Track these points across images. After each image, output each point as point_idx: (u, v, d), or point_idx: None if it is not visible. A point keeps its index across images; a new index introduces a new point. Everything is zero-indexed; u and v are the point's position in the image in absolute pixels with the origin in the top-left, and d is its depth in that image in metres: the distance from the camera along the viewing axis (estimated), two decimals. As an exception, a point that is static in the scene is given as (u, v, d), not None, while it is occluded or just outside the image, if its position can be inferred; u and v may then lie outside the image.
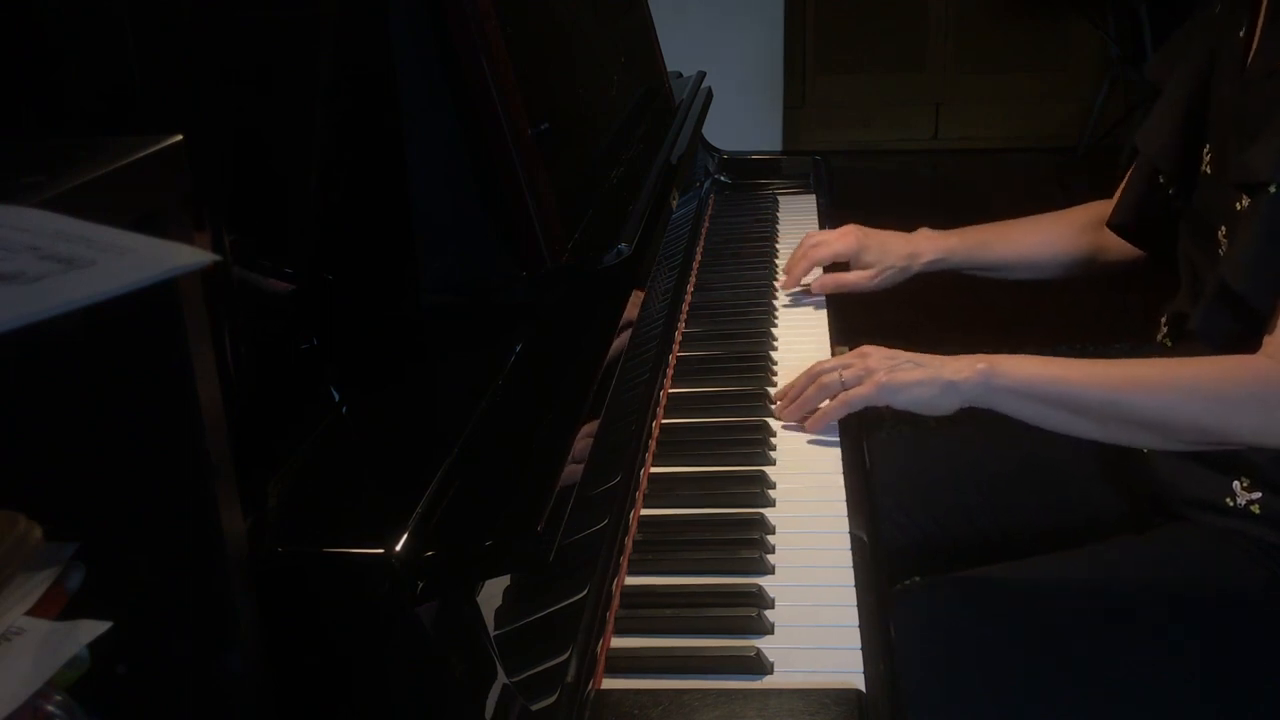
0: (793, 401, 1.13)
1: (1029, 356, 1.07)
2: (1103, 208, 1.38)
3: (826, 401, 1.10)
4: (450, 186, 0.93)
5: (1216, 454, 1.09)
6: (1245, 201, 1.04)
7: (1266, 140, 1.01)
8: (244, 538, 0.54)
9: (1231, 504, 1.09)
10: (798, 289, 1.45)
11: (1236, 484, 1.09)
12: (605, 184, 1.18)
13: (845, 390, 1.09)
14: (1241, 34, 1.12)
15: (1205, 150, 1.16)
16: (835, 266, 1.44)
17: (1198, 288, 1.14)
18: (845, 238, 1.41)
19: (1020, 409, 1.06)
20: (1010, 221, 1.44)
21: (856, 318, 1.45)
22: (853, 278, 1.40)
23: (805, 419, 1.11)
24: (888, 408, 1.08)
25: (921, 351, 1.11)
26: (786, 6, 4.02)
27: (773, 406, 1.15)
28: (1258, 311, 1.01)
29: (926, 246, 1.40)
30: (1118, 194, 1.34)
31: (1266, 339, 1.01)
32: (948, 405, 1.07)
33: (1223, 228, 1.09)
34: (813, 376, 1.12)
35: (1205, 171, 1.15)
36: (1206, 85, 1.17)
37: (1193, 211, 1.18)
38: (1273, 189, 1.00)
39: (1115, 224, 1.33)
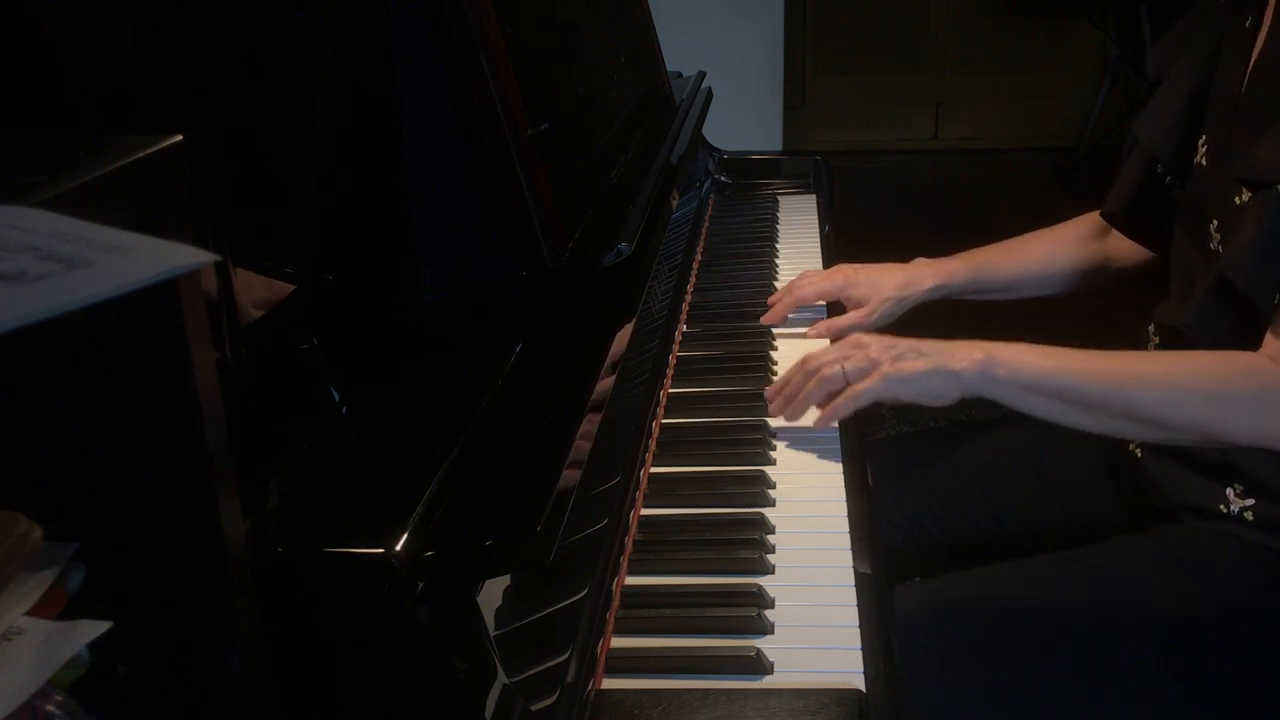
0: (791, 398, 1.08)
1: (1028, 346, 1.04)
2: None
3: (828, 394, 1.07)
4: (450, 186, 0.93)
5: (1209, 460, 1.09)
6: (1245, 196, 1.03)
7: (1276, 137, 0.99)
8: (244, 538, 0.54)
9: (1225, 510, 1.08)
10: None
11: (1230, 490, 1.08)
12: (605, 184, 1.18)
13: (849, 383, 1.05)
14: (1247, 24, 1.10)
15: (1200, 141, 1.14)
16: (831, 309, 1.38)
17: (1188, 283, 1.13)
18: (832, 276, 1.36)
19: (1017, 399, 1.04)
20: (1010, 240, 1.40)
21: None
22: (849, 319, 1.33)
23: (805, 413, 1.08)
24: (888, 406, 1.07)
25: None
26: (786, 6, 4.01)
27: (770, 406, 1.12)
28: (1256, 308, 1.00)
29: (924, 274, 1.35)
30: (1115, 183, 1.31)
31: (1267, 338, 1.00)
32: (951, 395, 1.04)
33: (1215, 220, 1.08)
34: (810, 370, 1.07)
35: (1200, 163, 1.14)
36: (1210, 76, 1.15)
37: (1186, 202, 1.16)
38: None
39: (1109, 213, 1.31)
